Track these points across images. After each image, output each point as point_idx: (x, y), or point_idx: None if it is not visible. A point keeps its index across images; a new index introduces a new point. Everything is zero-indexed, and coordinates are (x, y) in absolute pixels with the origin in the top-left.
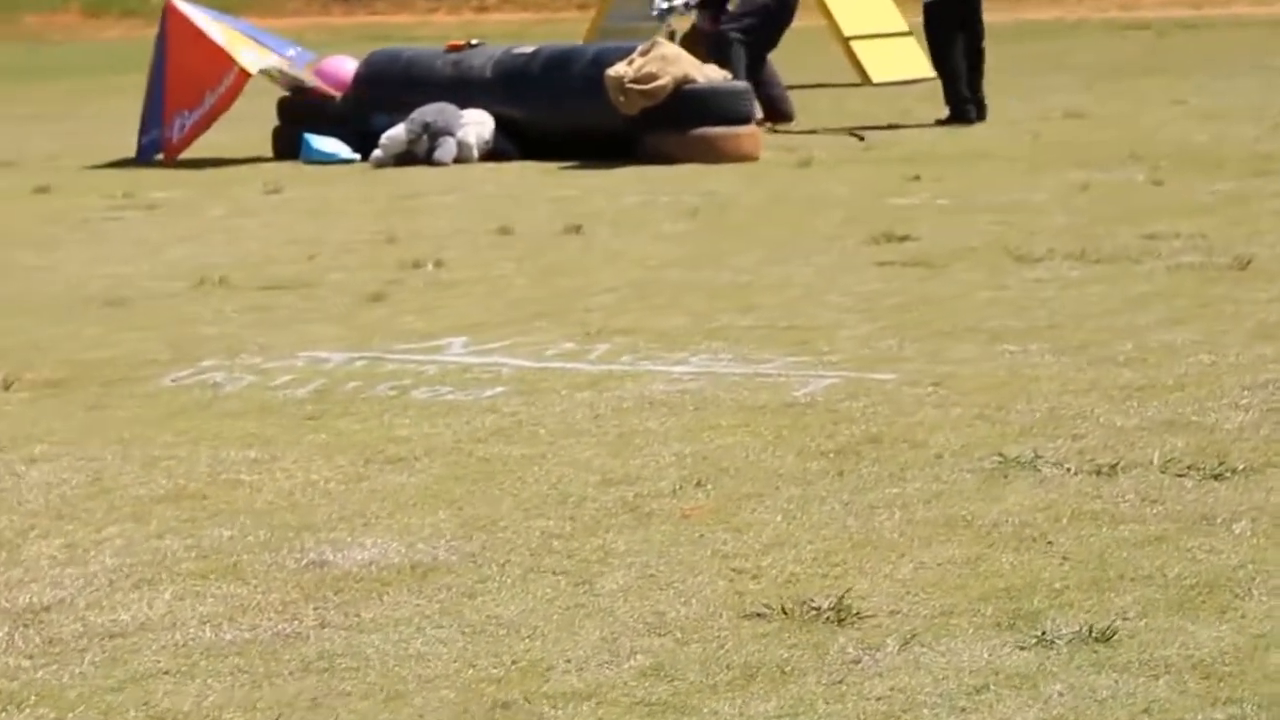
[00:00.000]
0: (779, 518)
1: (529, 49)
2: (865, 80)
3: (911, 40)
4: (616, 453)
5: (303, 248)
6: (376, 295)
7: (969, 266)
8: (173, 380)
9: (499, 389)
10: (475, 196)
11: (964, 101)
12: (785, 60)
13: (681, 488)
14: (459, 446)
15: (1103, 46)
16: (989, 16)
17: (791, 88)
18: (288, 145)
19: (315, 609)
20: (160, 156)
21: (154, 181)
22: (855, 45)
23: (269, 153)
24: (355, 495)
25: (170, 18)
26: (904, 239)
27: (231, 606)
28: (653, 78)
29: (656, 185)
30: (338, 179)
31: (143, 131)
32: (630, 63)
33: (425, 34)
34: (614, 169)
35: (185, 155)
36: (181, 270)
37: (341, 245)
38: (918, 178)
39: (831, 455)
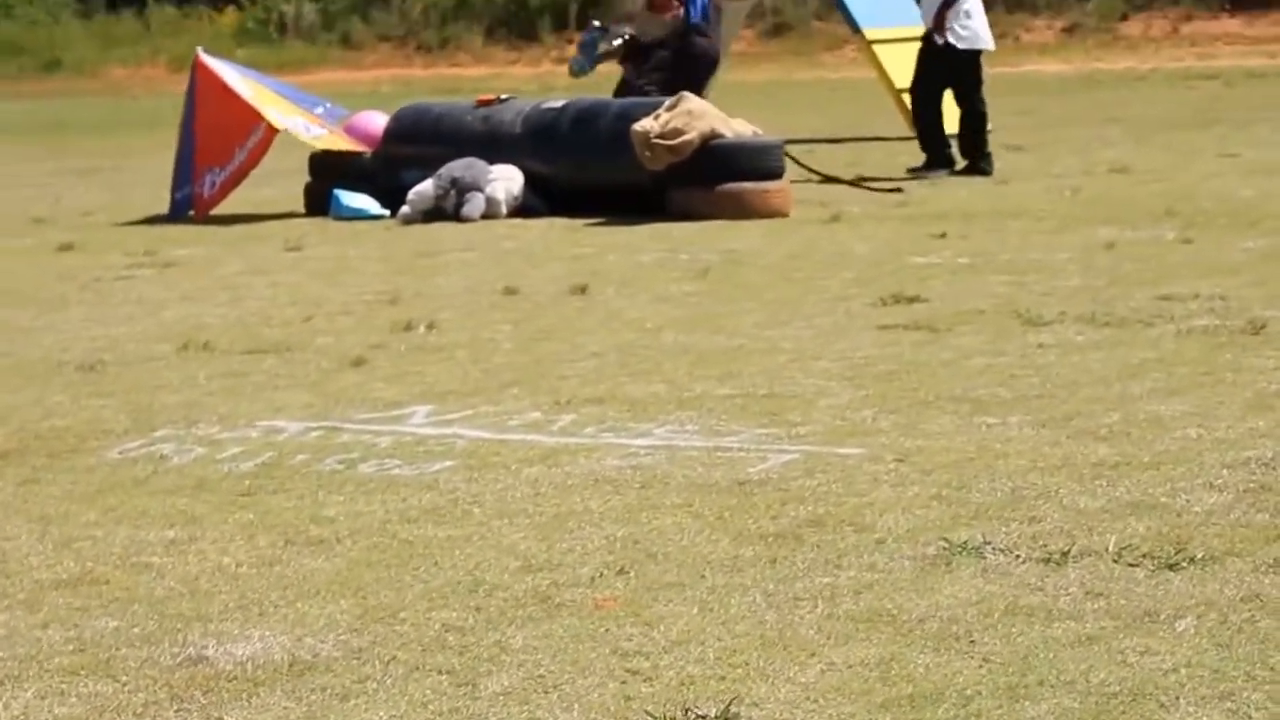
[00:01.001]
0: (694, 610)
1: (558, 104)
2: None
3: None
4: (545, 535)
5: (303, 308)
6: (357, 360)
7: (973, 330)
8: (120, 452)
9: (447, 463)
10: (493, 254)
11: (943, 147)
12: (837, 112)
13: (602, 575)
14: (385, 528)
15: (1166, 98)
16: (1064, 67)
17: (841, 140)
18: (319, 201)
19: (177, 711)
20: (191, 213)
21: (180, 238)
22: (908, 98)
23: (302, 208)
24: (261, 581)
25: (199, 73)
26: (913, 300)
27: (92, 708)
28: (678, 133)
29: (677, 242)
30: (362, 236)
31: (175, 187)
32: (656, 117)
33: (499, 86)
34: (638, 225)
35: (219, 210)
36: (172, 332)
37: (342, 306)
38: (943, 235)
39: (769, 540)
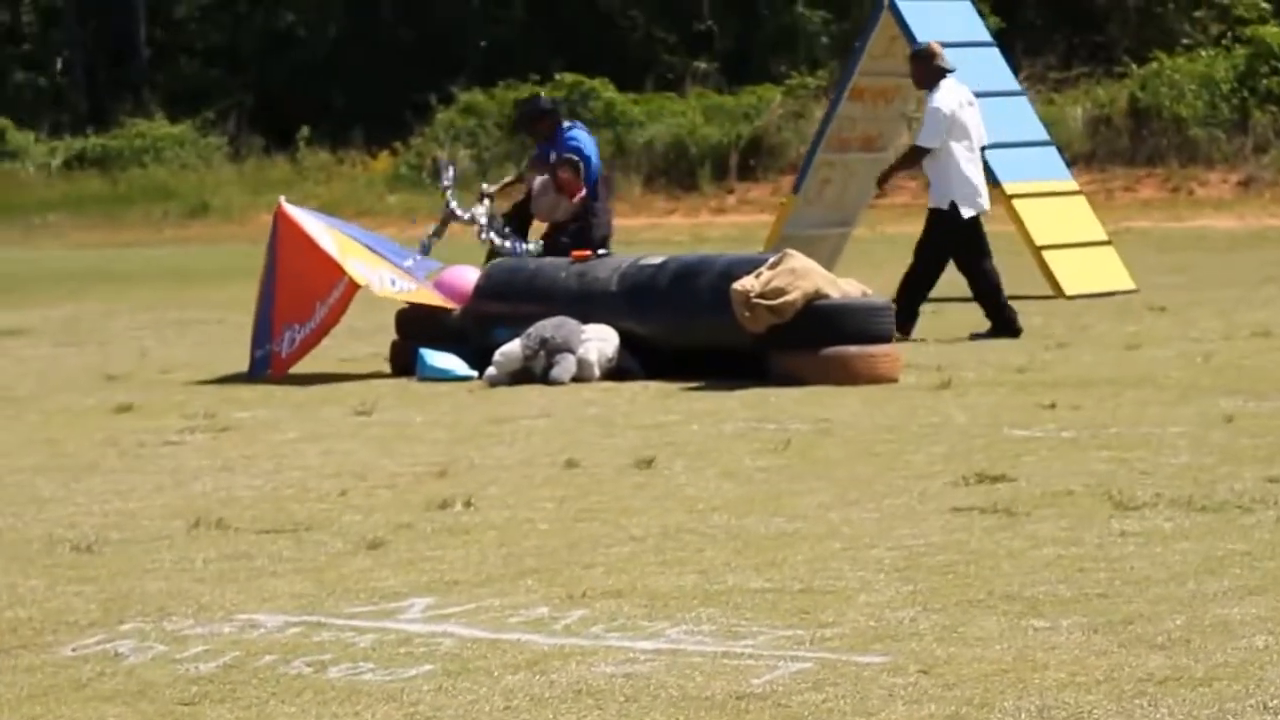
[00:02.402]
0: None
1: (657, 260)
2: (1058, 293)
3: (1111, 251)
4: None
5: (344, 481)
6: (374, 543)
7: (1054, 515)
8: (73, 650)
9: (425, 668)
10: (568, 421)
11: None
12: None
13: None
14: None
15: None
16: (1237, 223)
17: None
18: (405, 360)
19: None
20: (270, 373)
21: (247, 399)
22: (1048, 255)
23: (388, 368)
24: None
25: (280, 223)
26: (998, 479)
27: None
28: (780, 292)
29: (768, 411)
30: (439, 399)
31: (254, 345)
32: (758, 276)
33: (653, 237)
34: (734, 391)
35: (299, 369)
36: (192, 507)
37: (388, 478)
38: (1052, 405)
39: None
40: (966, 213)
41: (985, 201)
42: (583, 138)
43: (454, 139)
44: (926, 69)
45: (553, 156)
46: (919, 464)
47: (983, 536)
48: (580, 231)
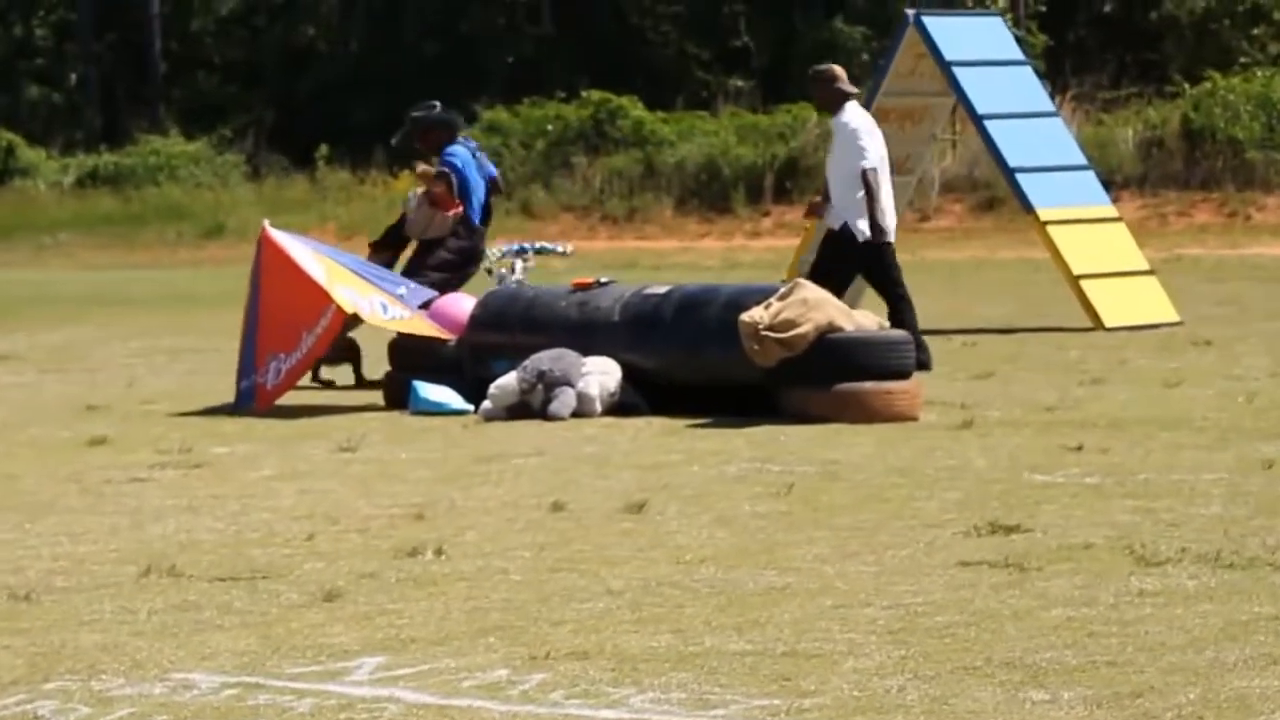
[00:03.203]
0: None
1: (662, 289)
2: (1097, 324)
3: (1153, 281)
4: None
5: (314, 524)
6: (333, 594)
7: (1069, 571)
8: None
9: None
10: (562, 460)
11: None
12: (1027, 296)
13: None
14: None
15: None
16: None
17: (1012, 331)
18: (399, 393)
19: None
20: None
21: (228, 433)
22: (1086, 285)
23: (381, 400)
24: None
25: (265, 249)
26: (1012, 530)
27: None
28: (791, 324)
29: (775, 451)
30: (429, 435)
31: (240, 376)
32: (767, 307)
33: (684, 261)
34: (741, 429)
35: (286, 400)
36: (147, 551)
37: (361, 521)
38: (1079, 448)
39: None
40: (870, 237)
41: (891, 229)
42: (461, 153)
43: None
44: (828, 92)
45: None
46: (929, 512)
47: (989, 595)
48: (464, 252)
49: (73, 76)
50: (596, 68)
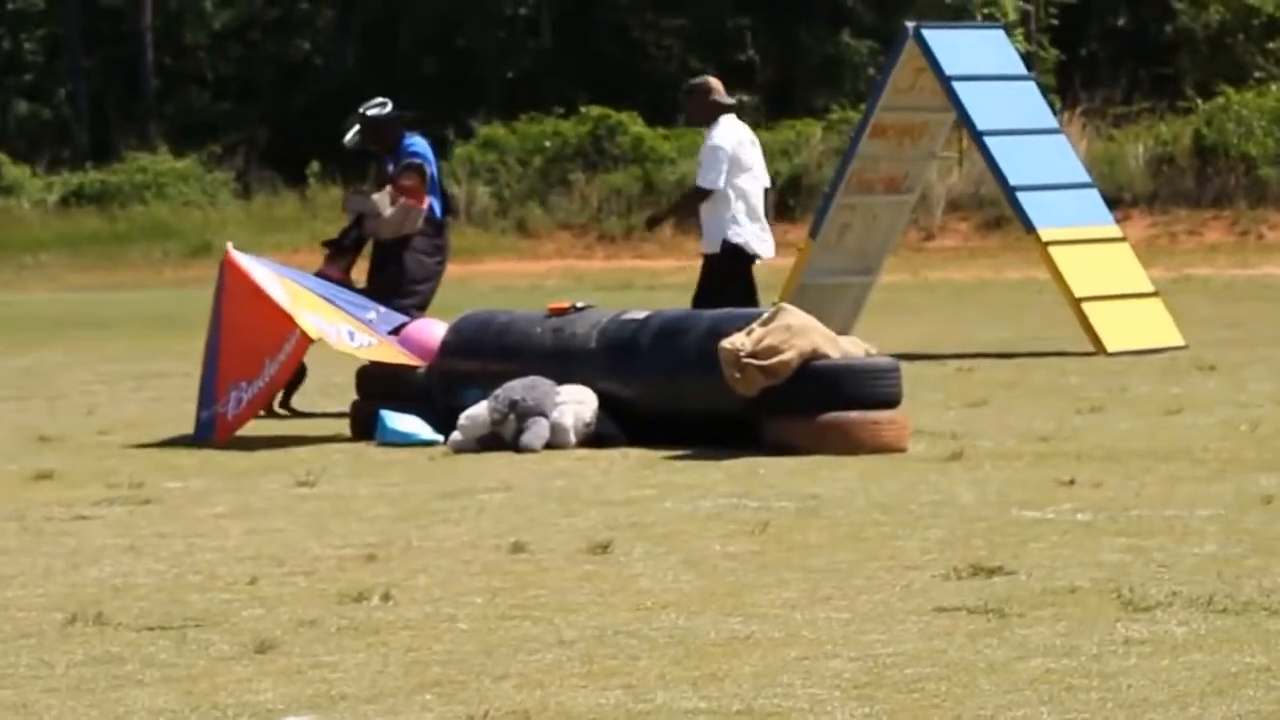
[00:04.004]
0: None
1: (640, 314)
2: (1099, 349)
3: (1158, 303)
4: None
5: (260, 566)
6: (266, 645)
7: (1051, 617)
8: None
9: None
10: (527, 496)
11: None
12: (1030, 319)
13: None
14: None
15: None
16: None
17: (1012, 355)
18: (366, 423)
19: None
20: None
21: (184, 467)
22: (1088, 308)
23: (348, 431)
24: None
25: (227, 273)
26: (994, 573)
27: None
28: (774, 351)
29: (752, 485)
30: (393, 468)
31: (200, 405)
32: (749, 333)
33: (680, 281)
34: (721, 461)
35: (248, 431)
36: (77, 597)
37: (308, 563)
38: (1071, 482)
39: None
40: (752, 249)
41: (769, 248)
42: (421, 143)
43: (472, 174)
44: (703, 105)
45: (390, 168)
46: (909, 552)
47: (964, 644)
48: (438, 252)
49: (62, 92)
50: (596, 82)
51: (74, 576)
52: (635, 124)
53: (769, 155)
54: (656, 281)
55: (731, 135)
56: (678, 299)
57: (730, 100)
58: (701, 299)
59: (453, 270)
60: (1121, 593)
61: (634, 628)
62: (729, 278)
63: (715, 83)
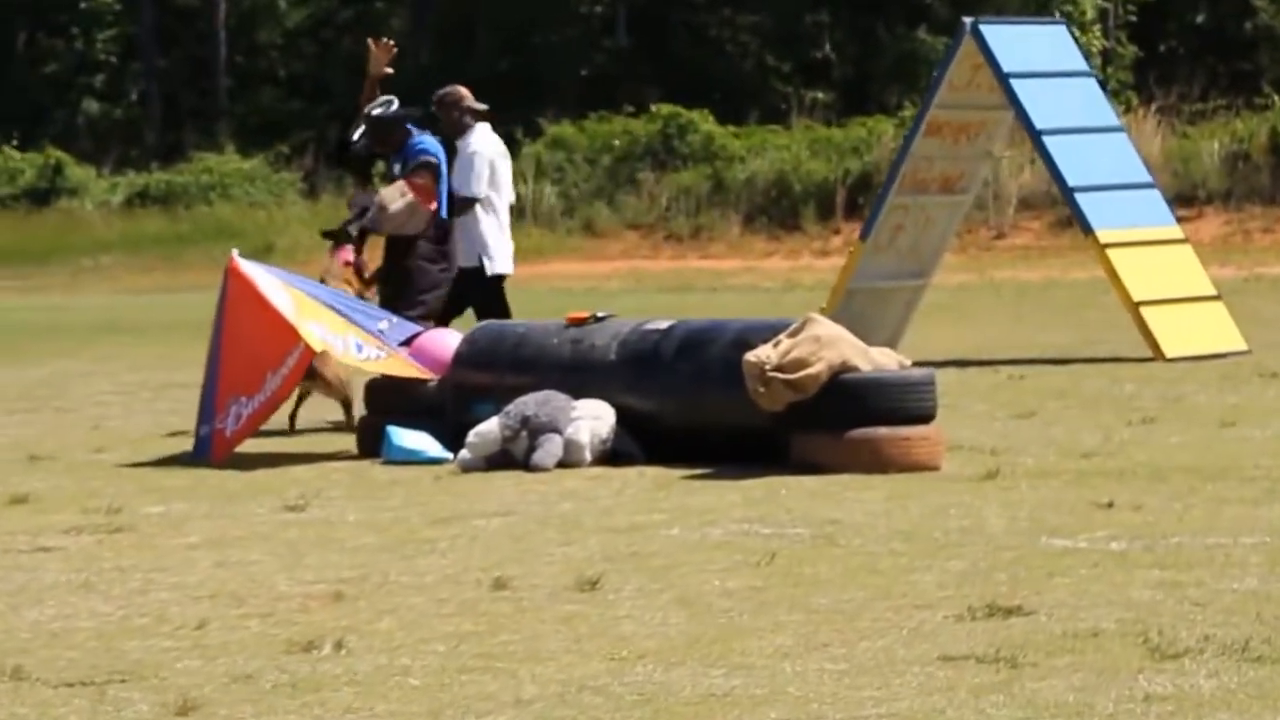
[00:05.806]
0: None
1: (663, 325)
2: (1158, 355)
3: (1220, 307)
4: None
5: (216, 606)
6: (189, 705)
7: (1069, 666)
8: None
9: None
10: (526, 523)
11: None
12: (1094, 320)
13: None
14: None
15: None
16: None
17: (1067, 361)
18: (374, 439)
19: None
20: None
21: (172, 488)
22: (1147, 312)
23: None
24: None
25: (231, 281)
26: (1012, 613)
27: None
28: (801, 364)
29: (769, 509)
30: (394, 489)
31: (200, 421)
32: (775, 345)
33: (742, 283)
34: (740, 481)
35: (247, 448)
36: (6, 645)
37: (268, 603)
38: (1110, 505)
39: None
40: (494, 269)
41: (511, 263)
42: (431, 142)
43: (539, 174)
44: (455, 115)
45: (396, 168)
46: (925, 587)
47: (965, 702)
48: (444, 255)
49: (134, 93)
50: (671, 81)
51: (10, 620)
52: (706, 122)
53: (840, 152)
54: (720, 283)
55: (489, 145)
56: (740, 302)
57: (482, 107)
58: (482, 315)
59: (517, 271)
60: (1149, 636)
61: (603, 682)
62: (486, 295)
63: (464, 91)
